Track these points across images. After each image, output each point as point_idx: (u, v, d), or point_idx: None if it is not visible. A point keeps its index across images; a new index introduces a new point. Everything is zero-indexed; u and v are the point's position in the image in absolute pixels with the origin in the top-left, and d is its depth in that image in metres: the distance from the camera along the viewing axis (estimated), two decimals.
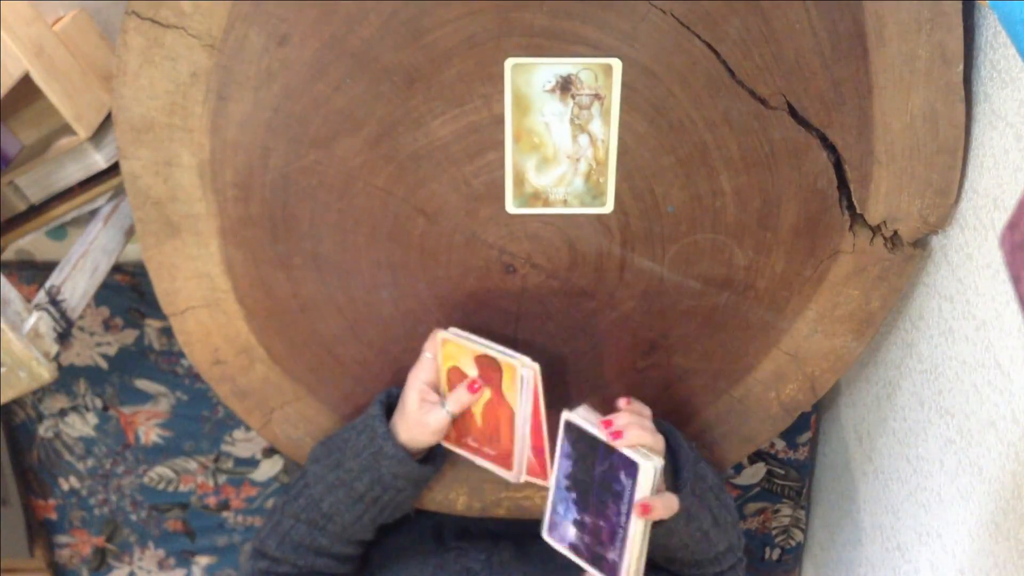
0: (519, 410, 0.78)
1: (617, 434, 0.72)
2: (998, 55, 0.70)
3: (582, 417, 0.74)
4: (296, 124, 0.76)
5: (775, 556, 1.37)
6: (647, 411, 0.77)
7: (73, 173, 0.90)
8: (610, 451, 0.72)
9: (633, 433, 0.72)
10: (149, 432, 1.33)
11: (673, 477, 0.79)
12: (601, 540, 0.74)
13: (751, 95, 0.73)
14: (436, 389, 0.83)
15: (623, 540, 0.72)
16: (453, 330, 0.81)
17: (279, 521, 0.86)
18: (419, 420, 0.81)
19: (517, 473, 0.83)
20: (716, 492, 0.83)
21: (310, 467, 0.86)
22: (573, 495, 0.76)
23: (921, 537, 0.86)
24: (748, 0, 0.70)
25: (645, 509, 0.70)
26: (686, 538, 0.79)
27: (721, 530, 0.83)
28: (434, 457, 0.87)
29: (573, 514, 0.76)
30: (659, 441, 0.73)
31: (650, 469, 0.69)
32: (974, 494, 0.75)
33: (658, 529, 0.75)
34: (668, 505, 0.72)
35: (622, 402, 0.77)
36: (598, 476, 0.73)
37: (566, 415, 0.75)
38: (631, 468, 0.70)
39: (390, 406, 0.85)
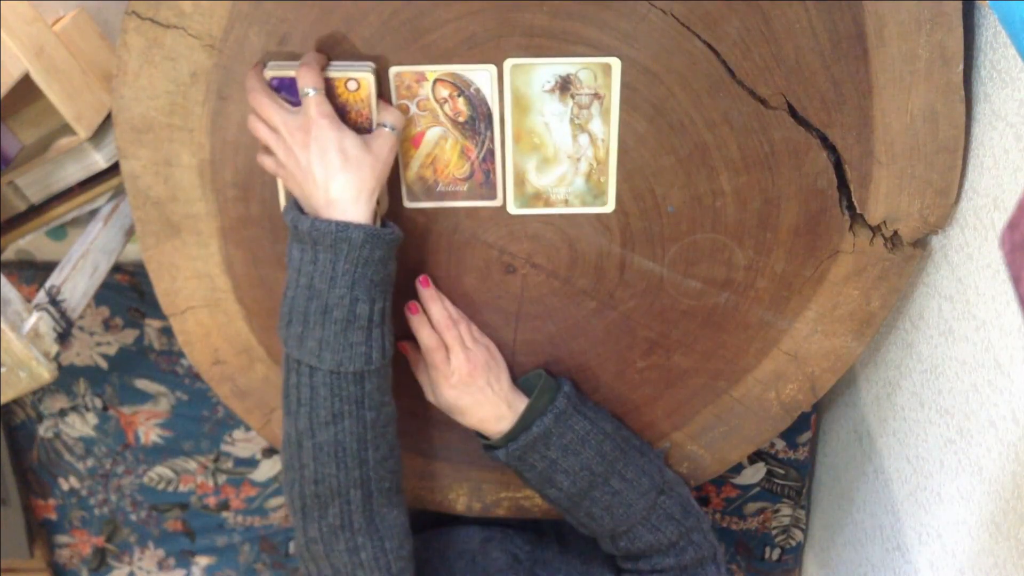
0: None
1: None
2: (998, 55, 0.70)
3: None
4: None
5: (775, 556, 1.37)
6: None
7: (73, 173, 0.90)
8: None
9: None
10: (149, 432, 1.33)
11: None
12: None
13: (751, 95, 0.73)
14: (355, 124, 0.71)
15: None
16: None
17: (291, 477, 0.75)
18: (364, 158, 0.68)
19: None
20: (629, 454, 0.83)
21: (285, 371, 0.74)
22: None
23: (921, 537, 0.86)
24: (748, 0, 0.70)
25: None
26: (561, 464, 0.81)
27: (634, 492, 0.82)
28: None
29: None
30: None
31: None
32: (974, 494, 0.75)
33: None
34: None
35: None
36: None
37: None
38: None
39: None
